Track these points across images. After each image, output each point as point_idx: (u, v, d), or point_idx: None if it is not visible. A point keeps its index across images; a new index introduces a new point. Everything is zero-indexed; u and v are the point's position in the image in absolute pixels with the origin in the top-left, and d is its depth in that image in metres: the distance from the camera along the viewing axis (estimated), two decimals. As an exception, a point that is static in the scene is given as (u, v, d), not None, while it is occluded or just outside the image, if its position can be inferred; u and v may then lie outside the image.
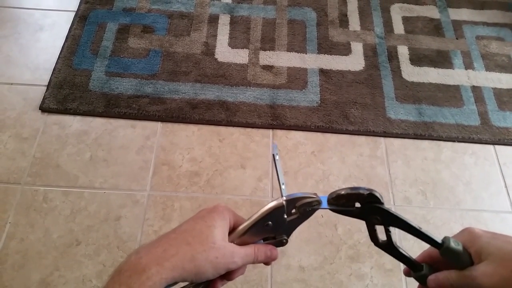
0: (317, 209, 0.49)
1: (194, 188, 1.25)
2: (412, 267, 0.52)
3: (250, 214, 1.17)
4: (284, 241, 0.50)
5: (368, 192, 0.46)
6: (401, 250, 0.51)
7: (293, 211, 0.48)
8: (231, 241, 0.45)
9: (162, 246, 0.41)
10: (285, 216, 0.48)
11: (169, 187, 1.24)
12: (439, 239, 0.47)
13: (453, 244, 0.46)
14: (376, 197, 0.47)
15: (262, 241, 0.50)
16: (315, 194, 0.48)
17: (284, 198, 0.46)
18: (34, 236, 1.14)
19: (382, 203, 0.47)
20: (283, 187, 0.49)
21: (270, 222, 0.47)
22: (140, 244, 1.16)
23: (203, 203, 1.22)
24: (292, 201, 0.47)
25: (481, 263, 0.43)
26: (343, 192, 0.48)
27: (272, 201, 0.46)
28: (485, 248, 0.44)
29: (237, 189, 1.25)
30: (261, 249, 0.48)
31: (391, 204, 1.25)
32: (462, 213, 1.25)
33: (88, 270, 1.11)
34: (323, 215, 1.22)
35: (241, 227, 0.46)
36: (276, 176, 0.46)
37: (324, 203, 0.49)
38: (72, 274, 1.10)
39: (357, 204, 0.48)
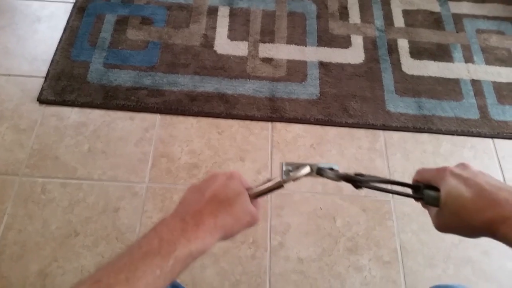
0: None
1: (193, 180, 1.24)
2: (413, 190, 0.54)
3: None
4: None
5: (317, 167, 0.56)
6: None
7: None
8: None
9: (212, 216, 0.47)
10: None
11: (168, 179, 1.24)
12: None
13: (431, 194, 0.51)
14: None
15: None
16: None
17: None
18: (32, 227, 1.14)
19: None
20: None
21: None
22: (139, 236, 1.15)
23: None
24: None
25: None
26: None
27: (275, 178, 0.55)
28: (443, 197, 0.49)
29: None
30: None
31: (390, 196, 1.25)
32: (461, 206, 1.25)
33: (86, 261, 1.11)
34: (322, 207, 1.22)
35: (256, 191, 0.54)
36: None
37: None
38: (71, 265, 1.10)
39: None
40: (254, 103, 1.39)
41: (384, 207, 1.23)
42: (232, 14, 1.61)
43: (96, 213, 1.18)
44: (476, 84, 1.49)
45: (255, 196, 0.53)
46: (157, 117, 1.35)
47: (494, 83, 1.50)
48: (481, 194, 0.45)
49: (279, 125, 1.37)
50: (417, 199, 0.53)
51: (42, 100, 1.35)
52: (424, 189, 0.51)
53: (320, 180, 1.27)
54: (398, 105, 1.42)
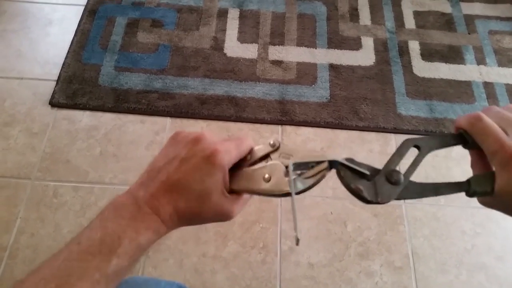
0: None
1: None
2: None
3: (259, 212, 1.16)
4: None
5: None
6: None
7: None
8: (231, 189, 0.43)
9: (169, 206, 0.40)
10: None
11: (178, 183, 1.24)
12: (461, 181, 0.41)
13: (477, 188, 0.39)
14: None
15: None
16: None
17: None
18: (44, 231, 1.15)
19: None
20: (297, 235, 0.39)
21: None
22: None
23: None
24: None
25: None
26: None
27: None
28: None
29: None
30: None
31: (401, 201, 1.24)
32: (473, 211, 1.23)
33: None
34: (332, 212, 1.22)
35: (246, 188, 0.42)
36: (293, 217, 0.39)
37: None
38: (83, 269, 1.10)
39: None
40: (264, 106, 1.39)
41: (396, 211, 1.23)
42: (242, 16, 1.61)
43: (107, 216, 1.18)
44: (488, 86, 1.48)
45: (244, 192, 0.43)
46: (167, 121, 1.36)
47: (507, 85, 1.48)
48: None
49: (289, 128, 1.36)
50: (462, 190, 0.40)
51: (54, 103, 1.36)
52: (471, 180, 0.39)
53: (331, 184, 1.27)
54: (410, 108, 1.41)
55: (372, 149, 1.34)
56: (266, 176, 0.41)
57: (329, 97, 1.42)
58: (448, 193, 0.40)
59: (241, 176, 0.42)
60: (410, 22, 1.63)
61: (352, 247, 1.17)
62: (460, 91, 1.46)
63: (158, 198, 0.40)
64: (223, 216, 0.43)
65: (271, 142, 0.44)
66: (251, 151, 0.45)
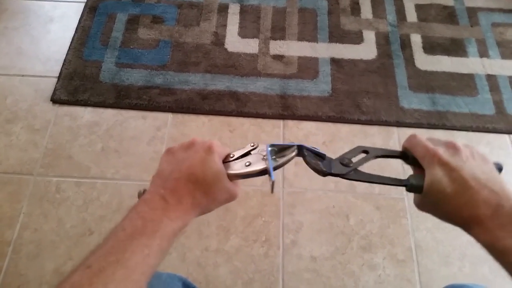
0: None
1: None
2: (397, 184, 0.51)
3: (261, 205, 1.17)
4: None
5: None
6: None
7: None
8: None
9: (190, 196, 0.47)
10: None
11: (180, 177, 1.24)
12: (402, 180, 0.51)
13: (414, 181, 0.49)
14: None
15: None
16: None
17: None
18: (47, 226, 1.16)
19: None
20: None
21: None
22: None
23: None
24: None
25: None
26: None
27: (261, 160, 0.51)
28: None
29: (247, 180, 1.24)
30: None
31: (404, 194, 1.24)
32: (476, 203, 1.23)
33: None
34: (335, 205, 1.21)
35: (237, 173, 0.51)
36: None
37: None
38: (85, 264, 1.10)
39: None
40: (265, 100, 1.38)
41: (399, 204, 1.22)
42: (243, 11, 1.60)
43: (110, 211, 1.18)
44: (491, 79, 1.47)
45: (235, 178, 0.51)
46: (169, 116, 1.36)
47: (510, 77, 1.47)
48: (463, 191, 0.44)
49: (290, 123, 1.36)
50: (401, 186, 0.50)
51: (55, 100, 1.37)
52: (409, 177, 0.49)
53: (333, 177, 1.26)
54: (412, 101, 1.40)
55: (374, 143, 1.33)
56: (247, 163, 0.51)
57: (330, 91, 1.41)
58: (391, 184, 0.50)
59: (229, 167, 0.51)
60: (412, 15, 1.62)
61: (354, 240, 1.17)
62: (463, 84, 1.45)
63: (179, 191, 0.46)
64: (232, 197, 0.51)
65: (251, 144, 0.53)
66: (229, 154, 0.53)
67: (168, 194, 0.46)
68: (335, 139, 1.33)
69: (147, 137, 1.31)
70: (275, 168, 0.50)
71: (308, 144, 0.52)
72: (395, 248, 1.16)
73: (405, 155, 0.52)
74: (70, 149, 1.28)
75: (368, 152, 0.53)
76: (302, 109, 1.37)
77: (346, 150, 0.53)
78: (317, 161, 0.51)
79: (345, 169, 0.50)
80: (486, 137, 1.35)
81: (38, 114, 1.34)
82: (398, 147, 1.32)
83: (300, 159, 0.52)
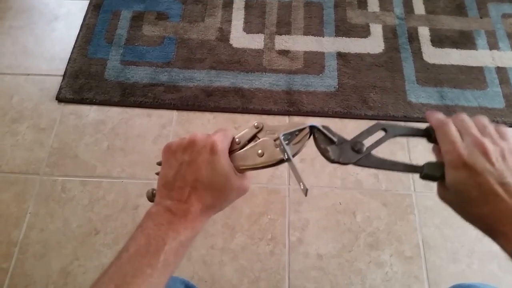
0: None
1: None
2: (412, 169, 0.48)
3: (267, 203, 1.16)
4: None
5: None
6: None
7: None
8: (236, 166, 0.49)
9: (198, 203, 0.45)
10: None
11: (186, 175, 1.24)
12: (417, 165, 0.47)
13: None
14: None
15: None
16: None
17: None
18: (53, 226, 1.16)
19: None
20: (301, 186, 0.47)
21: None
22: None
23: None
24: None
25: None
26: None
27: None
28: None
29: (253, 177, 1.23)
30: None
31: (411, 190, 1.22)
32: (486, 199, 1.21)
33: (107, 259, 1.12)
34: (341, 202, 1.20)
35: (247, 166, 0.48)
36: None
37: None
38: (92, 263, 1.11)
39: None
40: (270, 96, 1.37)
41: (406, 201, 1.21)
42: (248, 6, 1.59)
43: (116, 210, 1.19)
44: (501, 71, 1.44)
45: (245, 170, 0.48)
46: (174, 114, 1.35)
47: (520, 70, 1.44)
48: (488, 198, 0.41)
49: (296, 119, 1.35)
50: (415, 173, 0.47)
51: (60, 98, 1.37)
52: (425, 164, 0.45)
53: (339, 174, 1.26)
54: (420, 95, 1.38)
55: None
56: (260, 151, 0.47)
57: (337, 86, 1.40)
58: (404, 171, 0.47)
59: (238, 157, 0.48)
60: (419, 8, 1.59)
61: (361, 238, 1.16)
62: (472, 77, 1.42)
63: (186, 201, 0.45)
64: (243, 192, 0.50)
65: (255, 124, 0.50)
66: (234, 139, 0.51)
67: (175, 206, 0.45)
68: (341, 134, 1.31)
69: (152, 135, 1.31)
70: (293, 155, 0.47)
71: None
72: (402, 245, 1.15)
73: (429, 134, 0.47)
74: (75, 148, 1.28)
75: (387, 131, 0.49)
76: (308, 104, 1.36)
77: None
78: (326, 146, 0.48)
79: (355, 156, 0.47)
80: (496, 132, 1.33)
81: (43, 113, 1.35)
82: (405, 142, 1.30)
83: (308, 150, 0.50)
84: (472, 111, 1.35)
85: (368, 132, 0.49)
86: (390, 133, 0.48)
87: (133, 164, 1.26)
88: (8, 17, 1.56)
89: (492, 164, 0.41)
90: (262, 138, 0.49)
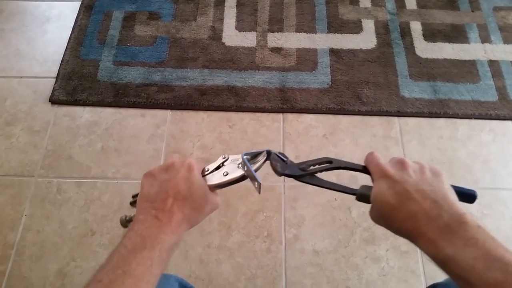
0: None
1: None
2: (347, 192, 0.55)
3: (262, 201, 1.16)
4: None
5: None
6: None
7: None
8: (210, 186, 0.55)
9: (180, 212, 0.51)
10: None
11: (181, 175, 1.24)
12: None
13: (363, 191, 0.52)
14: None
15: None
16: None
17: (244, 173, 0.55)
18: (49, 227, 1.16)
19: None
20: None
21: None
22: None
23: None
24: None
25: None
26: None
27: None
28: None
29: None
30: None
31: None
32: (480, 191, 1.21)
33: (103, 259, 1.11)
34: (336, 198, 1.20)
35: (216, 183, 0.55)
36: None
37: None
38: (88, 264, 1.11)
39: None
40: (264, 94, 1.37)
41: (401, 195, 1.21)
42: (240, 4, 1.59)
43: (111, 211, 1.19)
44: (493, 64, 1.44)
45: (216, 188, 0.56)
46: (167, 113, 1.35)
47: (513, 62, 1.44)
48: (405, 203, 0.45)
49: (290, 116, 1.35)
50: (351, 194, 0.53)
51: (54, 100, 1.36)
52: (360, 187, 0.52)
53: (335, 171, 1.25)
54: (413, 90, 1.39)
55: (375, 133, 1.32)
56: (224, 172, 0.55)
57: (330, 83, 1.40)
58: (341, 190, 0.54)
59: (207, 178, 0.56)
60: (411, 3, 1.60)
61: (357, 233, 1.16)
62: (464, 70, 1.43)
63: (168, 210, 0.50)
64: (215, 207, 0.56)
65: (223, 156, 0.57)
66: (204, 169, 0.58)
67: (160, 214, 0.49)
68: (335, 131, 1.32)
69: (146, 135, 1.31)
70: (255, 171, 0.54)
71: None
72: (398, 239, 1.14)
73: (366, 170, 0.54)
74: (70, 149, 1.28)
75: (332, 162, 0.56)
76: (301, 101, 1.36)
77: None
78: (277, 163, 0.57)
79: (299, 172, 0.55)
80: (488, 124, 1.34)
81: (37, 115, 1.35)
82: (399, 137, 1.31)
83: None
84: (465, 105, 1.35)
85: (315, 161, 0.56)
86: (334, 165, 0.55)
87: (127, 165, 1.26)
88: (0, 21, 1.55)
89: (409, 175, 0.47)
90: (227, 165, 0.57)
